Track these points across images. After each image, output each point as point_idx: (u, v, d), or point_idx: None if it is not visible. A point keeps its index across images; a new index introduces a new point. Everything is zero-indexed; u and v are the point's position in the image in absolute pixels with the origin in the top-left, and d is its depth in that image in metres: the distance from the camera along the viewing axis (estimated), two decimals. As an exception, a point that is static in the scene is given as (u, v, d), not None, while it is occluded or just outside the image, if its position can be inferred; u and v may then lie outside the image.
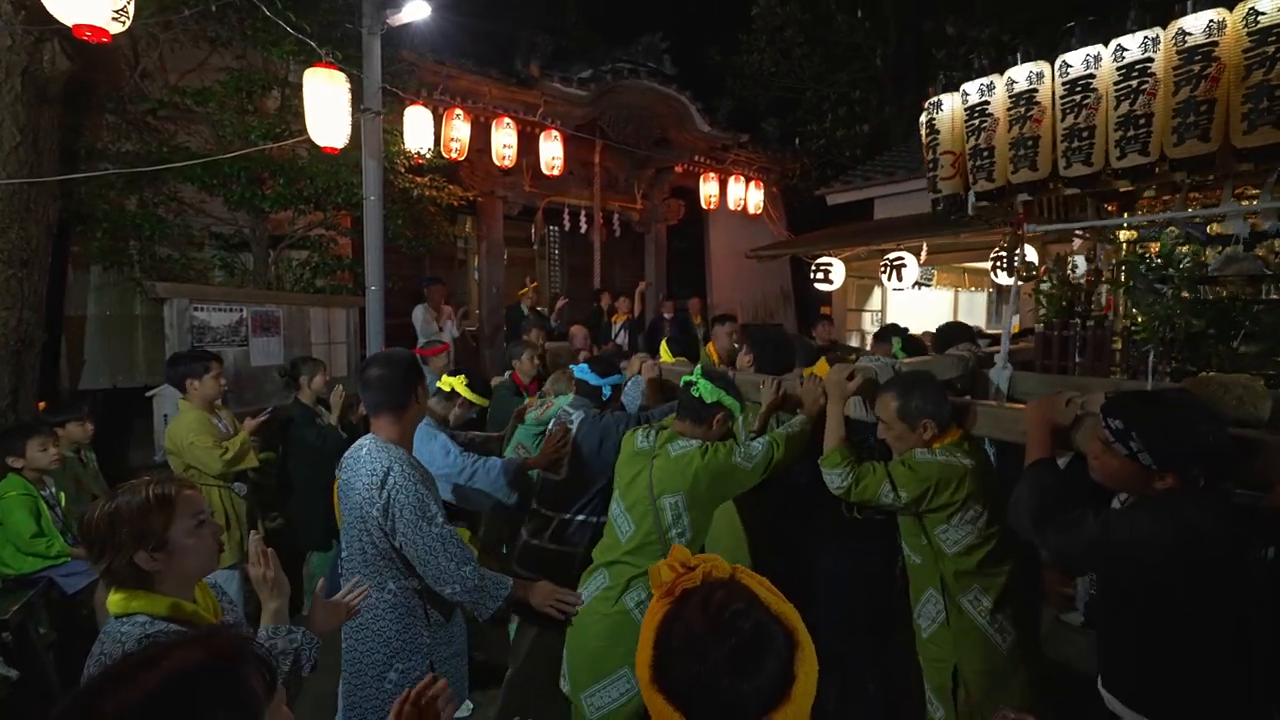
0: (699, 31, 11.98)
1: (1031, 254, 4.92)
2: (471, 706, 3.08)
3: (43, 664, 2.94)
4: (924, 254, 6.82)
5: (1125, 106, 2.31)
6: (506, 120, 7.02)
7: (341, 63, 4.42)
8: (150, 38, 4.91)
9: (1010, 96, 2.59)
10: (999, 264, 5.77)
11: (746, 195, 9.97)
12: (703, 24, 12.18)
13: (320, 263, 5.79)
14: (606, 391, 2.76)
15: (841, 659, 2.38)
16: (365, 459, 1.96)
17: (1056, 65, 2.46)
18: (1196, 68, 2.15)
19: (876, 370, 2.26)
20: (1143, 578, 1.47)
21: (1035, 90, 2.52)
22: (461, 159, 6.82)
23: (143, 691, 0.74)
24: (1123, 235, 3.28)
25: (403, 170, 5.92)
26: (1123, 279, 3.12)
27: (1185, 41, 2.18)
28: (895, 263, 6.90)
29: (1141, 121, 2.29)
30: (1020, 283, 3.39)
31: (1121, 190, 2.84)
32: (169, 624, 1.32)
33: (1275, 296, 2.77)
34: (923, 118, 2.99)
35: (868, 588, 2.47)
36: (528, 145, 7.35)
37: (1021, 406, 1.95)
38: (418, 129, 5.92)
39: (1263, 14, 2.05)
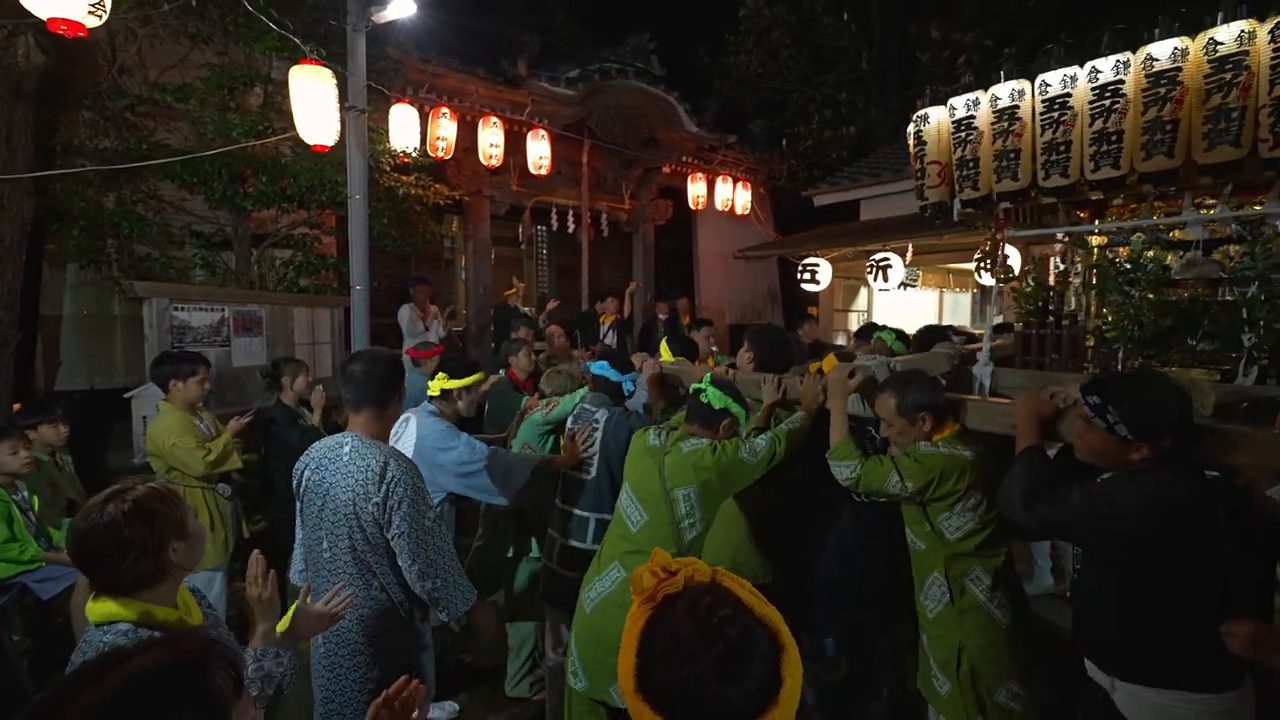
0: (687, 32, 12.01)
1: (1015, 256, 5.00)
2: (456, 708, 3.07)
3: (16, 672, 2.87)
4: (909, 255, 6.86)
5: (1099, 124, 2.48)
6: (493, 119, 6.99)
7: (325, 60, 4.35)
8: (129, 32, 4.81)
9: (994, 112, 2.75)
10: (983, 265, 5.85)
11: (734, 196, 10.00)
12: (690, 24, 12.22)
13: (304, 262, 5.71)
14: (628, 387, 2.81)
15: (859, 628, 2.67)
16: (352, 456, 1.94)
17: (1036, 84, 2.63)
18: (1163, 90, 2.34)
19: (874, 369, 2.39)
20: (1126, 539, 1.63)
21: (1017, 107, 2.68)
22: (448, 158, 6.78)
23: (109, 692, 0.74)
24: (1094, 240, 3.47)
25: (388, 169, 5.85)
26: (1094, 281, 3.34)
27: (1153, 66, 2.36)
28: (881, 263, 6.94)
29: (1114, 138, 2.46)
30: (1001, 284, 3.61)
31: (1093, 198, 3.03)
32: (153, 631, 1.29)
33: (1230, 298, 2.96)
34: (910, 129, 3.14)
35: (875, 564, 2.63)
36: (515, 144, 7.31)
37: (1008, 401, 2.11)
38: (403, 127, 5.87)
39: (1220, 43, 2.24)
